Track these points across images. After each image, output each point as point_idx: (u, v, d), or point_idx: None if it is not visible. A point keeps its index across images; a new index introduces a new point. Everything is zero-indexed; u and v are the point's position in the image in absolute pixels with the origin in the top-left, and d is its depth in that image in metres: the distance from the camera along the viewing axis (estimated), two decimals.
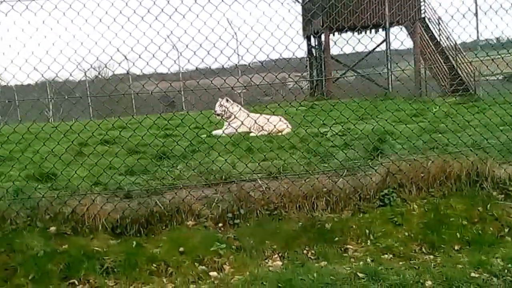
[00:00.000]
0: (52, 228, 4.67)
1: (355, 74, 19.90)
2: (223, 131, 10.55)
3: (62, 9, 4.81)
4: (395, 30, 20.44)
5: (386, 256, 4.46)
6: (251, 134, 9.97)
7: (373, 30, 20.42)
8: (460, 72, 18.27)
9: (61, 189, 5.37)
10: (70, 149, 7.29)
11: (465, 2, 6.15)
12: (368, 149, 6.91)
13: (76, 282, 4.21)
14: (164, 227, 4.84)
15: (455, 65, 18.54)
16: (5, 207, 4.82)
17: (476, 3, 15.91)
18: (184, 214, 4.90)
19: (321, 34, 19.44)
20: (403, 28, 19.70)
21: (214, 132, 10.59)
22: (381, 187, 5.15)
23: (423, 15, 19.49)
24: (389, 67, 20.08)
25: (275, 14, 5.66)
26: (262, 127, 10.22)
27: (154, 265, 4.35)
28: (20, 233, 4.59)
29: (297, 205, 5.03)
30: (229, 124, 10.97)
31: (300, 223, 4.84)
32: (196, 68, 6.77)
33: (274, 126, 10.23)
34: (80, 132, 7.45)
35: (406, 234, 4.68)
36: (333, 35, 19.92)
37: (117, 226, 4.81)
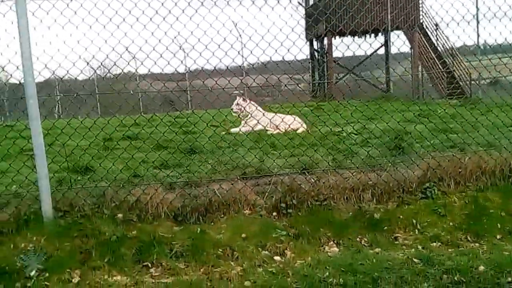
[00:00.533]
0: (119, 215, 4.84)
1: (357, 77, 20.23)
2: (240, 129, 10.77)
3: (74, 8, 4.94)
4: (394, 35, 20.82)
5: (434, 244, 4.70)
6: (268, 132, 10.18)
7: (372, 35, 20.74)
8: (456, 76, 18.70)
9: (111, 180, 5.54)
10: (96, 143, 7.48)
11: (459, 11, 6.39)
12: (389, 147, 7.19)
13: (149, 265, 4.39)
14: (222, 215, 5.04)
15: (451, 69, 18.95)
16: (73, 195, 4.98)
17: (477, 7, 16.34)
18: (240, 204, 5.11)
19: (323, 38, 19.72)
20: (402, 34, 20.10)
21: (232, 130, 10.81)
22: (422, 180, 5.40)
23: (421, 21, 19.87)
24: (387, 70, 20.49)
25: (278, 18, 5.83)
26: (277, 126, 10.43)
27: (220, 250, 4.55)
28: (89, 220, 4.76)
29: (345, 197, 5.26)
30: (245, 122, 11.18)
31: (350, 213, 5.07)
32: (202, 68, 6.96)
33: (289, 126, 10.49)
34: (103, 128, 7.60)
35: (451, 224, 4.94)
36: (335, 38, 20.21)
37: (179, 214, 5.00)
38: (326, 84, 19.29)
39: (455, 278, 3.98)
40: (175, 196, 5.10)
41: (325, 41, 19.78)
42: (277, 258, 4.48)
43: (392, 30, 19.72)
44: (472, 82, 18.09)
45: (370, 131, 7.74)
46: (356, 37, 17.82)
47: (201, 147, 7.82)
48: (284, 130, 10.30)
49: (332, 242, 4.75)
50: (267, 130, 10.47)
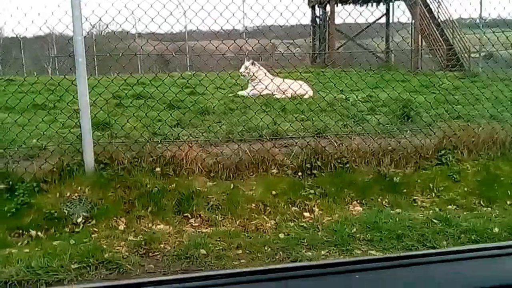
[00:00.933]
0: (158, 169, 5.10)
1: (358, 45, 20.36)
2: (248, 93, 10.96)
3: None
4: (395, 5, 20.87)
5: (450, 207, 5.06)
6: (275, 97, 10.40)
7: (374, 4, 20.74)
8: (455, 49, 18.89)
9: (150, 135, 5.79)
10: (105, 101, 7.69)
11: None
12: (397, 115, 7.49)
13: (189, 216, 4.70)
14: (251, 173, 5.32)
15: (451, 42, 19.13)
16: (113, 149, 5.23)
17: None
18: (268, 163, 5.40)
19: (325, 5, 19.71)
20: (403, 4, 20.17)
21: (239, 93, 11.00)
22: (438, 148, 5.71)
23: None
24: (387, 39, 20.62)
25: None
26: (284, 91, 10.60)
27: (253, 205, 4.86)
28: (129, 172, 5.02)
29: (365, 160, 5.57)
30: (254, 87, 11.35)
31: (371, 176, 5.39)
32: (197, 28, 7.09)
33: (295, 91, 10.66)
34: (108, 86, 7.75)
35: (465, 189, 5.28)
36: (337, 5, 20.19)
37: (211, 171, 5.28)
38: (327, 50, 19.39)
39: (472, 238, 4.34)
40: (208, 153, 5.37)
41: (328, 8, 19.77)
42: (306, 214, 4.80)
43: (394, 0, 19.77)
44: (467, 55, 18.35)
45: (376, 99, 8.01)
46: (358, 6, 17.91)
47: (212, 109, 8.06)
48: (290, 96, 10.51)
49: (355, 202, 5.07)
50: (274, 95, 10.68)
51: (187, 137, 5.71)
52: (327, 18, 19.93)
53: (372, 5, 20.75)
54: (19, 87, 7.17)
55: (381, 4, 20.84)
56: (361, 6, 18.38)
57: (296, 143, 5.70)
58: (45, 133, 5.87)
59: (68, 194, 4.78)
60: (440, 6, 19.69)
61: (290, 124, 6.50)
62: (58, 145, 5.29)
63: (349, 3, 17.78)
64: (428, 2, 20.16)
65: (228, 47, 7.39)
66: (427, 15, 19.63)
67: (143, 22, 5.83)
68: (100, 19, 6.80)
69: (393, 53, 18.50)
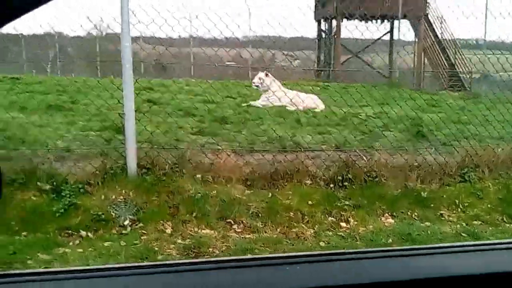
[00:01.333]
0: (198, 176, 5.31)
1: (362, 60, 20.76)
2: (260, 104, 11.20)
3: None
4: (400, 22, 21.31)
5: (476, 222, 5.31)
6: (287, 109, 10.64)
7: (379, 21, 21.16)
8: (457, 68, 19.33)
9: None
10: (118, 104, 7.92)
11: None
12: (412, 133, 7.77)
13: (232, 222, 4.89)
14: (285, 183, 5.55)
15: (453, 60, 19.56)
16: (156, 155, 5.42)
17: (486, 6, 16.88)
18: (301, 174, 5.63)
19: (332, 20, 20.12)
20: (407, 22, 20.63)
21: (252, 103, 11.24)
22: (461, 165, 5.99)
23: (426, 13, 20.37)
24: (390, 55, 21.06)
25: None
26: (296, 104, 10.78)
27: (291, 213, 5.07)
28: (171, 178, 5.22)
29: (393, 175, 5.83)
30: (267, 98, 11.56)
31: (399, 190, 5.64)
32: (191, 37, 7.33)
33: (306, 105, 10.84)
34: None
35: (488, 206, 5.54)
36: (342, 21, 20.60)
37: (248, 179, 5.50)
38: (332, 65, 19.74)
39: None
40: (245, 162, 5.59)
41: (334, 23, 20.17)
42: (342, 224, 5.03)
43: (399, 18, 20.20)
44: (469, 75, 18.80)
45: (387, 116, 8.28)
46: (363, 22, 18.32)
47: (230, 117, 8.30)
48: (302, 108, 10.74)
49: (387, 214, 5.31)
50: (286, 107, 10.92)
51: (224, 146, 5.92)
52: (333, 32, 20.30)
53: (376, 22, 21.17)
54: (22, 86, 7.39)
55: (385, 21, 21.28)
56: (366, 22, 18.82)
57: (329, 155, 5.94)
58: (67, 134, 6.07)
59: (113, 196, 4.96)
60: (443, 26, 20.17)
61: (312, 137, 6.74)
62: (101, 149, 5.48)
63: (355, 19, 18.20)
64: (431, 22, 20.62)
65: (232, 58, 7.53)
66: (430, 34, 20.09)
67: (144, 23, 6.02)
68: (102, 20, 7.05)
69: (397, 70, 18.92)
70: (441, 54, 19.87)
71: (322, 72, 19.73)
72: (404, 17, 19.60)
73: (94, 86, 9.36)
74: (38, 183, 4.97)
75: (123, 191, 5.01)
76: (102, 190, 5.03)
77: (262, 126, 7.51)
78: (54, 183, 4.99)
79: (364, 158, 5.90)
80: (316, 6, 20.31)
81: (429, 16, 20.71)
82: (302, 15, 20.33)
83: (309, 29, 21.87)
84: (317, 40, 20.74)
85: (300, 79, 13.79)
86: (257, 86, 12.10)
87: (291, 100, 10.34)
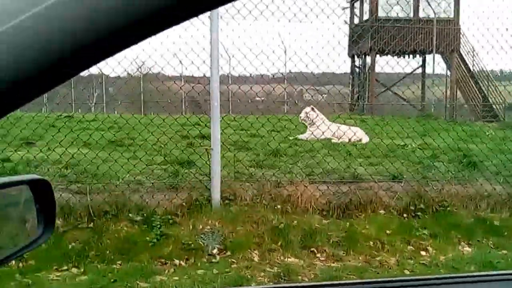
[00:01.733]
0: (278, 206, 5.47)
1: (395, 94, 20.92)
2: (306, 137, 11.40)
3: None
4: (431, 57, 21.51)
5: None
6: (333, 141, 10.80)
7: (411, 56, 21.41)
8: (490, 99, 19.37)
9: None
10: (175, 139, 8.19)
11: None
12: (463, 163, 7.82)
13: (315, 251, 5.02)
14: (360, 213, 5.67)
15: (485, 92, 19.63)
16: (238, 186, 5.62)
17: None
18: (375, 204, 5.75)
19: (366, 55, 20.44)
20: (439, 56, 20.82)
21: (299, 136, 11.45)
22: None
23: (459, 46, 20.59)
24: (423, 88, 21.18)
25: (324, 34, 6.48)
26: (339, 137, 10.89)
27: (371, 242, 5.18)
28: (252, 208, 5.40)
29: (463, 205, 5.90)
30: (312, 132, 11.75)
31: (472, 219, 5.70)
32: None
33: (350, 138, 10.92)
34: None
35: None
36: (375, 56, 20.91)
37: (323, 209, 5.64)
38: (366, 98, 19.94)
39: None
40: (322, 193, 5.74)
41: (368, 59, 20.49)
42: (422, 253, 5.11)
43: (431, 53, 20.41)
44: (502, 105, 18.82)
45: (433, 147, 8.35)
46: (395, 57, 18.56)
47: (282, 150, 8.48)
48: (348, 140, 10.86)
49: (463, 243, 5.37)
50: (332, 139, 11.07)
51: (301, 177, 6.09)
52: (367, 67, 20.60)
53: (408, 57, 21.43)
54: (75, 123, 7.70)
55: (417, 55, 21.52)
56: (398, 57, 19.05)
57: (402, 185, 6.06)
58: (136, 168, 6.31)
59: (201, 227, 5.15)
60: (475, 58, 20.30)
61: (365, 168, 6.84)
62: (188, 182, 5.70)
63: (387, 54, 18.52)
64: (463, 55, 20.80)
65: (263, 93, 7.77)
66: (462, 67, 20.24)
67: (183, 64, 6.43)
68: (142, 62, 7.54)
69: (431, 103, 19.01)
70: (474, 86, 19.97)
71: (356, 106, 19.93)
72: (437, 51, 19.81)
73: (146, 123, 9.64)
74: (130, 214, 5.20)
75: (210, 221, 5.20)
76: (188, 221, 5.23)
77: (316, 158, 7.65)
78: (144, 214, 5.21)
79: (434, 188, 6.00)
80: (349, 41, 20.68)
81: (460, 49, 20.91)
82: (332, 50, 20.66)
83: (337, 65, 22.12)
84: (350, 75, 21.02)
85: (332, 113, 13.94)
86: (304, 120, 12.36)
87: (334, 133, 10.46)
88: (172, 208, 5.37)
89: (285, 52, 11.48)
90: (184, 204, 5.43)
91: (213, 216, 5.28)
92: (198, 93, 10.36)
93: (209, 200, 5.43)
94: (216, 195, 5.40)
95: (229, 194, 5.51)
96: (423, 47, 20.35)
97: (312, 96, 14.28)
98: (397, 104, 19.73)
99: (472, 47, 20.45)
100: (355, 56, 21.30)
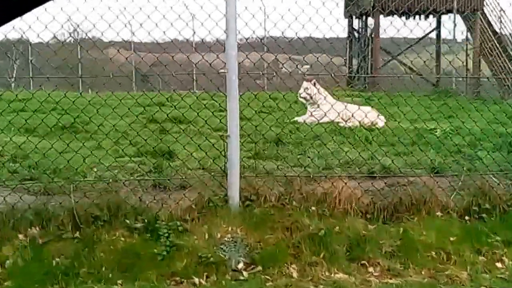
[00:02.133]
0: (313, 208, 5.43)
1: (403, 64, 21.11)
2: (304, 120, 11.26)
3: None
4: (446, 18, 21.76)
5: None
6: (341, 125, 10.72)
7: (422, 17, 21.58)
8: None
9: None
10: (140, 123, 8.05)
11: None
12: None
13: (367, 264, 4.98)
14: (411, 216, 5.69)
15: None
16: (260, 185, 5.54)
17: None
18: (430, 204, 5.78)
19: (367, 16, 20.50)
20: (458, 18, 21.08)
21: (296, 119, 11.38)
22: None
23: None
24: (438, 57, 21.43)
25: None
26: (348, 118, 10.56)
27: (433, 252, 5.18)
28: (282, 211, 5.34)
29: None
30: (311, 113, 11.54)
31: None
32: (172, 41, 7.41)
33: (361, 120, 10.66)
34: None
35: None
36: (378, 18, 20.99)
37: (367, 211, 5.64)
38: (369, 70, 20.01)
39: None
40: (363, 192, 5.74)
41: (369, 20, 20.56)
42: (498, 264, 5.14)
43: (448, 13, 20.58)
44: None
45: (465, 132, 8.46)
46: (404, 18, 18.63)
47: (283, 137, 8.46)
48: (359, 123, 10.65)
49: None
50: (338, 122, 10.87)
51: (337, 172, 6.06)
52: (369, 31, 20.66)
53: (420, 18, 21.53)
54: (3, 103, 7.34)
55: (431, 16, 21.73)
56: (407, 19, 19.06)
57: (448, 179, 6.11)
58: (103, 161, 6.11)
59: (219, 235, 5.02)
60: (503, 19, 20.52)
61: (392, 159, 6.85)
62: (201, 179, 5.58)
63: (394, 15, 18.53)
64: (487, 14, 20.95)
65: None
66: (488, 29, 20.44)
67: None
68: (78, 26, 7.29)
69: (453, 75, 19.27)
70: (502, 54, 20.27)
71: (357, 80, 19.92)
72: (458, 11, 19.99)
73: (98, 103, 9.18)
74: (127, 220, 5.07)
75: (229, 228, 5.09)
76: (201, 227, 5.12)
77: (327, 147, 7.61)
78: (145, 220, 5.09)
79: (501, 184, 6.08)
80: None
81: (484, 10, 21.08)
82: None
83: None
84: (347, 41, 21.04)
85: (326, 87, 13.84)
86: (303, 98, 12.28)
87: (339, 114, 9.97)
88: (179, 212, 5.25)
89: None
90: (193, 206, 5.32)
91: (232, 221, 5.11)
92: (150, 66, 10.05)
93: (226, 201, 5.35)
94: (234, 194, 5.25)
95: (250, 194, 5.42)
96: (437, 4, 20.52)
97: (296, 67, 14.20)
98: (405, 77, 19.93)
99: (499, 4, 20.71)
100: (353, 17, 21.35)
